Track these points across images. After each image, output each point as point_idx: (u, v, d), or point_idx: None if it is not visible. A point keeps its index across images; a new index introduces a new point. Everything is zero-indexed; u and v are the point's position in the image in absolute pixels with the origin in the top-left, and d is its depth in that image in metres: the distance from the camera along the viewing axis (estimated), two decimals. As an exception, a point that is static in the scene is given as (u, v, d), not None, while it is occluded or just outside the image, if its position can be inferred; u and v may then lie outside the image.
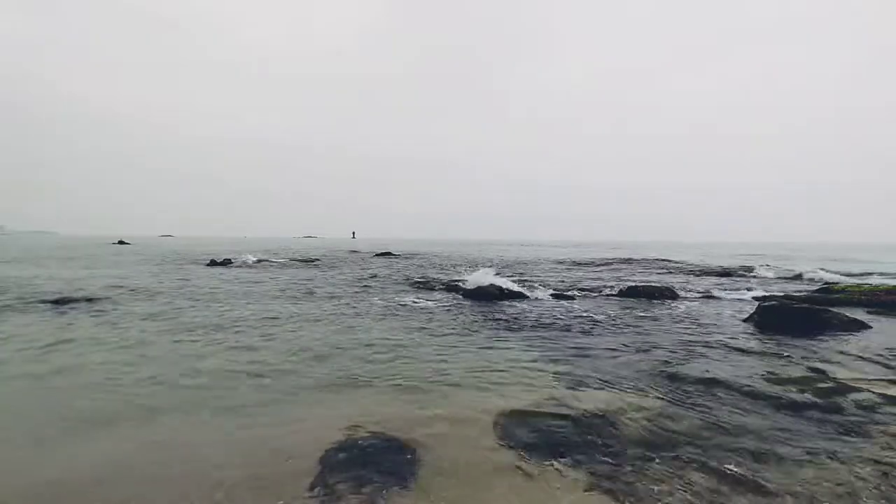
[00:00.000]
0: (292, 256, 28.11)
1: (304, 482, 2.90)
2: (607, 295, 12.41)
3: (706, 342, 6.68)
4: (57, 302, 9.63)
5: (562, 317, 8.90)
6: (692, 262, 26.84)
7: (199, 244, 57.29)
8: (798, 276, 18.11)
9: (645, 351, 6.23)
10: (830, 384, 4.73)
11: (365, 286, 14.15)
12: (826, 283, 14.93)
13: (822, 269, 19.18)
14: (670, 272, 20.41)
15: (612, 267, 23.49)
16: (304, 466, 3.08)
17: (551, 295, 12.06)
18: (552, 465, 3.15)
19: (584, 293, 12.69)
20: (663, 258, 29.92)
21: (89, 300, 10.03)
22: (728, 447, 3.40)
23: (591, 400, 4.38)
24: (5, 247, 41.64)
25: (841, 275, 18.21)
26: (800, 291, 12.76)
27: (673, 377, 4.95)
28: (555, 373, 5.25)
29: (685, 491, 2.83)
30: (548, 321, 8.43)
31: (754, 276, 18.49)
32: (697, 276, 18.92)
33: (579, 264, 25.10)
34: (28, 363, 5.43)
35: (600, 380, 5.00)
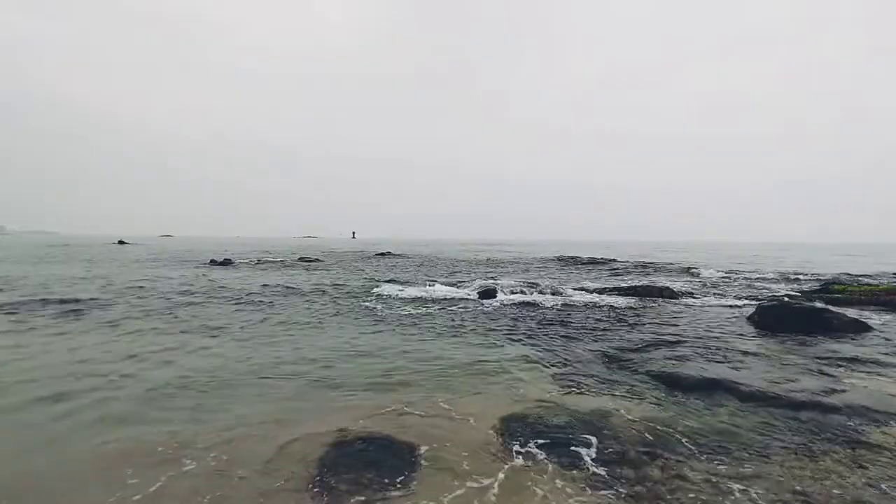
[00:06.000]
0: (294, 257, 28.12)
1: (304, 482, 2.91)
2: (606, 293, 12.41)
3: (706, 342, 6.68)
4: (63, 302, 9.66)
5: (560, 315, 8.91)
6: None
7: (199, 244, 57.27)
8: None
9: (645, 350, 6.23)
10: (830, 384, 4.73)
11: (367, 287, 14.15)
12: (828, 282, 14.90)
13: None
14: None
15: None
16: (305, 466, 3.09)
17: (550, 293, 12.07)
18: (552, 464, 3.15)
19: (579, 290, 12.69)
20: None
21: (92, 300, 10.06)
22: (728, 447, 3.41)
23: (591, 400, 4.39)
24: (6, 247, 41.64)
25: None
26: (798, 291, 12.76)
27: (672, 377, 4.95)
28: (553, 372, 5.26)
29: (685, 490, 2.84)
30: (547, 320, 8.43)
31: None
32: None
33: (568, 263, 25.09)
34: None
35: (600, 380, 5.01)
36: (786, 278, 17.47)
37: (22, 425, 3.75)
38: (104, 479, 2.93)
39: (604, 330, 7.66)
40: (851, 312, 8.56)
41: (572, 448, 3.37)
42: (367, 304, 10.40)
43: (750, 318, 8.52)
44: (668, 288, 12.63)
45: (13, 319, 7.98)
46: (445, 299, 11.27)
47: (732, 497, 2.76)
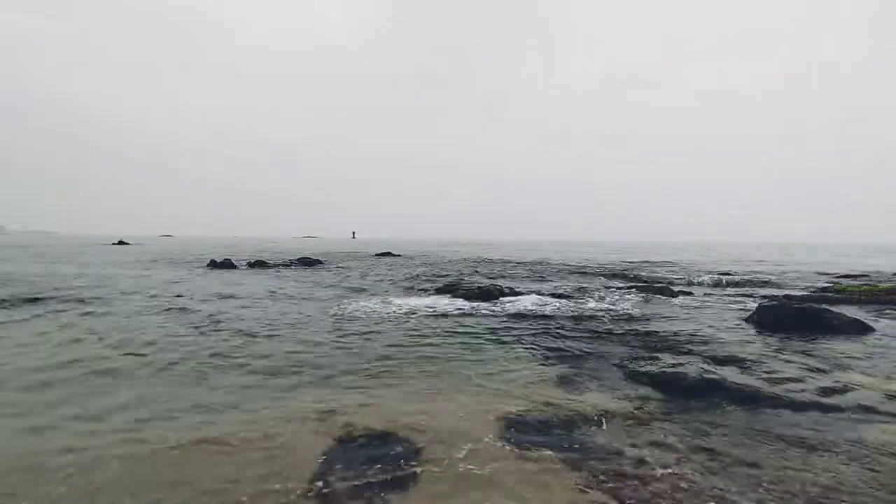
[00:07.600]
0: (294, 258, 28.11)
1: (304, 480, 2.90)
2: (607, 291, 12.41)
3: (705, 342, 6.68)
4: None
5: (558, 316, 8.90)
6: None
7: (199, 244, 57.29)
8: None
9: (643, 350, 6.24)
10: (830, 384, 4.73)
11: (367, 288, 14.17)
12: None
13: None
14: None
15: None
16: (305, 463, 3.09)
17: (549, 294, 12.06)
18: (553, 463, 3.16)
19: (579, 290, 12.69)
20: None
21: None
22: (727, 448, 3.41)
23: (591, 400, 4.39)
24: (5, 247, 41.64)
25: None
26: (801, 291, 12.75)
27: (671, 378, 4.95)
28: (551, 373, 5.26)
29: (684, 491, 2.84)
30: (546, 321, 8.43)
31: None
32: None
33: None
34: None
35: (599, 380, 5.01)
36: (784, 278, 17.46)
37: None
38: (95, 478, 2.93)
39: (602, 330, 7.66)
40: (851, 312, 8.56)
41: (571, 447, 3.38)
42: (367, 304, 10.40)
43: (749, 318, 8.52)
44: (667, 287, 12.63)
45: None
46: (444, 301, 11.27)
47: (732, 498, 2.76)
